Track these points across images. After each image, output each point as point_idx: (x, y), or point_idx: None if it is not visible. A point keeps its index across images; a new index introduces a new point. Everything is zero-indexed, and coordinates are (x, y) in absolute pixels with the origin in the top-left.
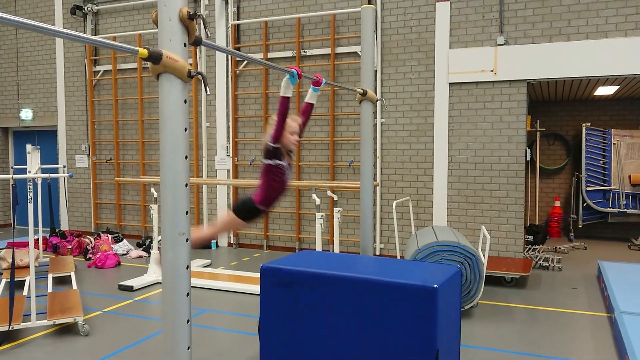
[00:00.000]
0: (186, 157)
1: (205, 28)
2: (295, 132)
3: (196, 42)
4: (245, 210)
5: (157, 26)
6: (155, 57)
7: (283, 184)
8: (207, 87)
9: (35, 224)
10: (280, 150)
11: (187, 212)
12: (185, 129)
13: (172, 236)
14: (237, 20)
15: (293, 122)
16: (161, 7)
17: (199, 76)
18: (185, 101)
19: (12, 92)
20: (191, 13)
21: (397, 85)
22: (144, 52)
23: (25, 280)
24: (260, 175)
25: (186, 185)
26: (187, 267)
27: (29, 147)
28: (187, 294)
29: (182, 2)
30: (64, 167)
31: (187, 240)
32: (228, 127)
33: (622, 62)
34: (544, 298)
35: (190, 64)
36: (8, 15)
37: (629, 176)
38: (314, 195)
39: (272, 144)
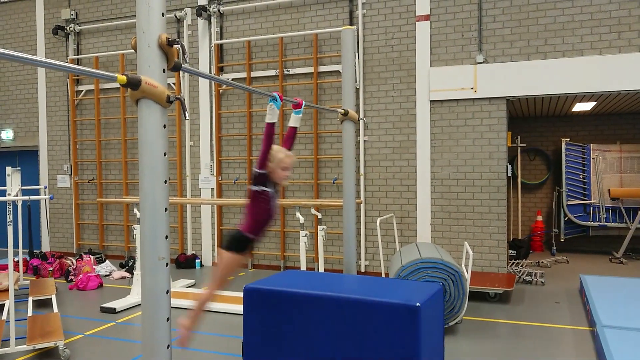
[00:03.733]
0: (166, 182)
1: (184, 55)
2: (287, 167)
3: (176, 68)
4: (235, 242)
5: (136, 52)
6: (134, 83)
7: (269, 212)
8: (186, 112)
9: (16, 246)
10: (267, 177)
11: (166, 237)
12: (165, 154)
13: (152, 261)
14: (220, 40)
15: (287, 158)
16: (140, 34)
17: (179, 101)
18: (164, 126)
19: None
20: (170, 39)
21: (380, 103)
22: (122, 78)
23: (4, 303)
24: (246, 203)
25: (166, 209)
26: (167, 291)
27: (8, 169)
28: (167, 319)
29: (161, 29)
30: (45, 188)
31: (166, 264)
32: (212, 145)
33: (597, 80)
34: (528, 313)
35: (173, 85)
36: None
37: (609, 190)
38: (297, 214)
39: (257, 170)
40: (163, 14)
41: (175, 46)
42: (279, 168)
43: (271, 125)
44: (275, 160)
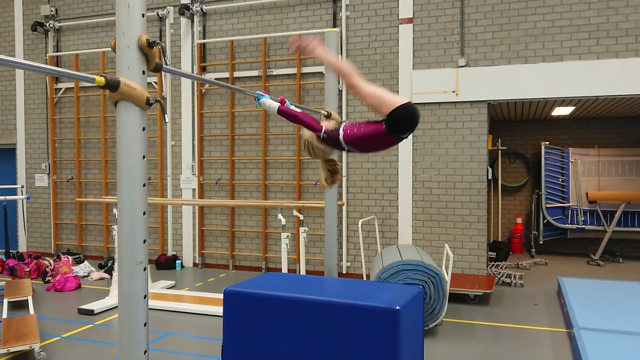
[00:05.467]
0: (144, 185)
1: (164, 56)
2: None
3: (157, 69)
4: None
5: (116, 53)
6: (112, 85)
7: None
8: (166, 115)
9: None
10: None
11: (144, 241)
12: (144, 157)
13: (129, 265)
14: (203, 39)
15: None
16: (119, 35)
17: (159, 103)
18: (143, 129)
19: None
20: (151, 41)
21: (362, 106)
22: (100, 80)
23: None
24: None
25: (144, 213)
26: (145, 296)
27: None
28: (145, 324)
29: (141, 29)
30: (23, 187)
31: (144, 269)
32: (194, 145)
33: (576, 84)
34: (507, 315)
35: (155, 84)
36: None
37: (586, 193)
38: (279, 216)
39: (323, 133)
40: (143, 15)
41: (155, 47)
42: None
43: (284, 109)
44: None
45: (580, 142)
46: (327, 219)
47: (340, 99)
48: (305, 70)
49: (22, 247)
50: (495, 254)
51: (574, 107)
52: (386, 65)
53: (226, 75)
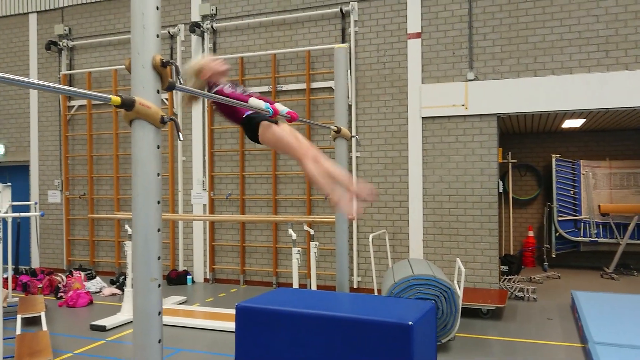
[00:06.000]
0: (159, 202)
1: (177, 75)
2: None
3: (170, 88)
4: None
5: (130, 73)
6: (128, 104)
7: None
8: (180, 133)
9: (5, 262)
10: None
11: (159, 257)
12: (158, 174)
13: (144, 282)
14: (214, 55)
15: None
16: (134, 55)
17: (172, 121)
18: (158, 146)
19: None
20: (164, 61)
21: (372, 120)
22: (116, 99)
23: None
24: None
25: (158, 230)
26: (159, 313)
27: None
28: (159, 341)
29: (156, 50)
30: (36, 203)
31: (159, 285)
32: (204, 161)
33: (586, 97)
34: (520, 329)
35: (166, 101)
36: None
37: (599, 206)
38: (290, 230)
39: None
40: (158, 35)
41: (169, 66)
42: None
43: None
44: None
45: (591, 154)
46: (338, 234)
47: (350, 114)
48: (315, 85)
49: (35, 263)
50: (507, 267)
51: (584, 120)
52: (395, 80)
53: None
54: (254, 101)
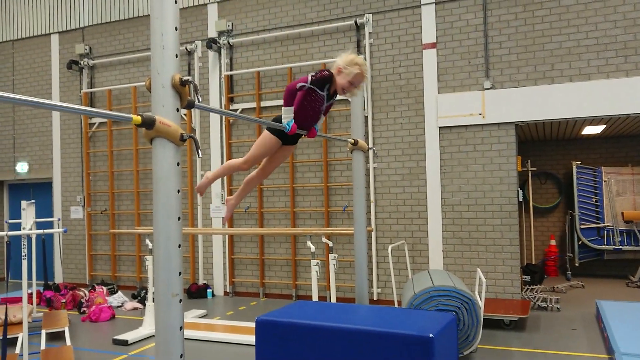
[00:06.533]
0: (179, 218)
1: (197, 93)
2: (354, 82)
3: (189, 106)
4: (276, 121)
5: (150, 92)
6: (148, 123)
7: (313, 110)
8: (199, 151)
9: (29, 278)
10: (330, 80)
11: (180, 273)
12: (178, 191)
13: (165, 297)
14: (230, 71)
15: (361, 67)
16: (154, 75)
17: (192, 139)
18: (178, 164)
19: (9, 145)
20: (183, 80)
21: (389, 130)
22: (137, 119)
23: (18, 337)
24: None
25: (179, 246)
26: (181, 328)
27: (24, 203)
28: (181, 356)
29: (175, 69)
30: (59, 220)
31: (180, 301)
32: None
33: (606, 103)
34: (544, 340)
35: (184, 116)
36: (5, 93)
37: (622, 213)
38: (308, 243)
39: (323, 74)
40: (177, 55)
41: (188, 85)
42: (347, 77)
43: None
44: (347, 70)
45: (612, 160)
46: (357, 245)
47: (366, 125)
48: None
49: (59, 279)
50: (529, 277)
51: (604, 126)
52: (411, 90)
53: (253, 105)
54: (284, 112)
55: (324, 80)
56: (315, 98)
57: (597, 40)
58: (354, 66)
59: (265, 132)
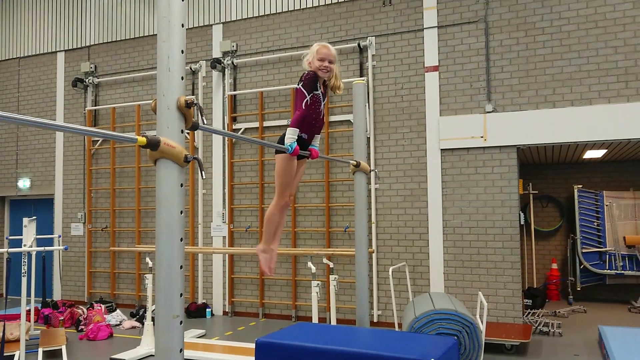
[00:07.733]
0: (181, 239)
1: (201, 115)
2: (323, 58)
3: (193, 128)
4: (282, 139)
5: (155, 114)
6: (153, 145)
7: (315, 111)
8: (203, 172)
9: (28, 295)
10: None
11: (181, 294)
12: (181, 212)
13: (166, 319)
14: (234, 90)
15: (322, 47)
16: (160, 97)
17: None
18: (181, 185)
19: (11, 161)
20: (188, 102)
21: (390, 152)
22: (142, 140)
23: (14, 355)
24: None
25: (181, 267)
26: (181, 350)
27: (25, 220)
28: None
29: (180, 91)
30: (60, 237)
31: (180, 322)
32: (224, 194)
33: (607, 128)
34: None
35: (187, 135)
36: (9, 114)
37: (624, 237)
38: (309, 263)
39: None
40: (182, 78)
41: (193, 107)
42: (314, 59)
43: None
44: (311, 55)
45: (614, 184)
46: (358, 267)
47: (368, 146)
48: (333, 118)
49: (57, 296)
50: (531, 301)
51: (605, 150)
52: (413, 113)
53: (256, 125)
54: (288, 131)
55: (312, 79)
56: (315, 99)
57: (598, 66)
58: (311, 50)
59: (278, 158)
